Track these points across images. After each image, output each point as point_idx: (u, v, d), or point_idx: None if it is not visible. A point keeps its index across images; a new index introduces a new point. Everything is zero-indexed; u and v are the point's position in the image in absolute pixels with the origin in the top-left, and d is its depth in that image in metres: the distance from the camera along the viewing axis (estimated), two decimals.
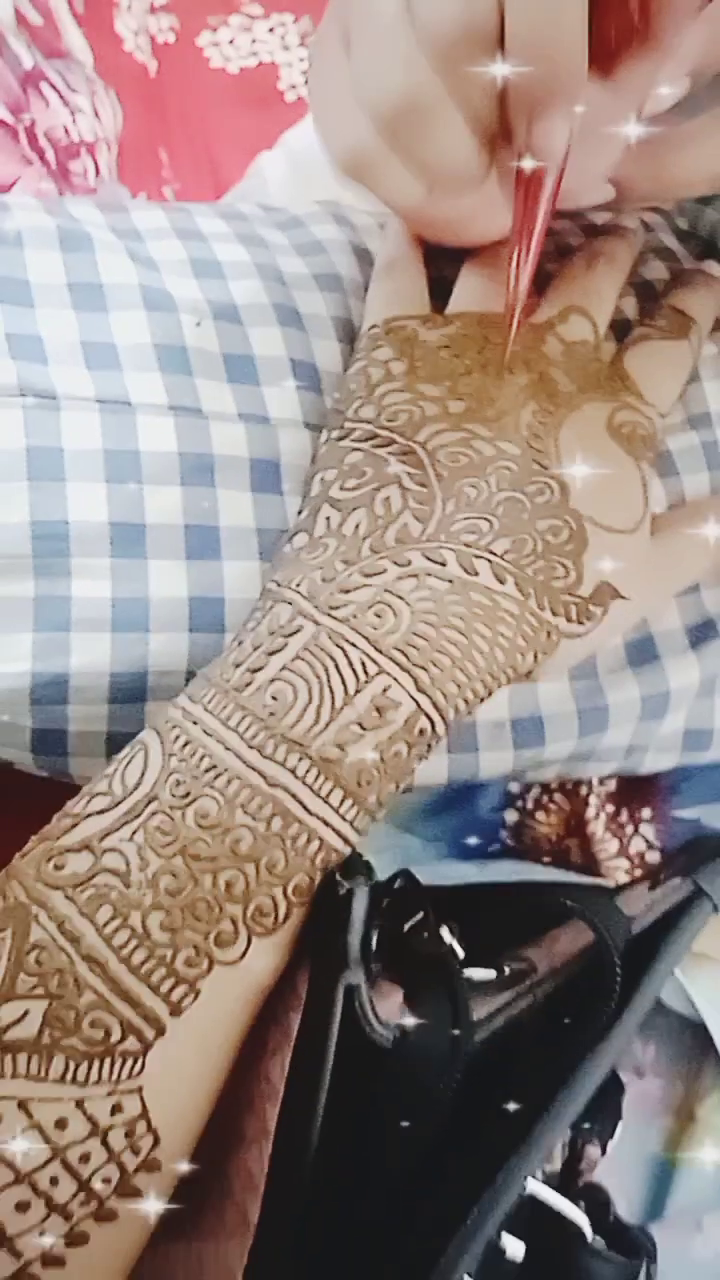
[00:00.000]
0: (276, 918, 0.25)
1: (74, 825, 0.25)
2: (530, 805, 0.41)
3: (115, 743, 0.31)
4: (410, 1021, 0.25)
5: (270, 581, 0.28)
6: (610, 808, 0.40)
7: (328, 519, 0.28)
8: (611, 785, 0.41)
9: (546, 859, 0.42)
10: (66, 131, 0.42)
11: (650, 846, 0.39)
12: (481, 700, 0.27)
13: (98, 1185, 0.23)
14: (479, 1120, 0.26)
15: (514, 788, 0.41)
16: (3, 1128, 0.22)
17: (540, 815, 0.41)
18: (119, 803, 0.25)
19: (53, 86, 0.42)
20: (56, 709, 0.30)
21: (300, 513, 0.30)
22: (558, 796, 0.41)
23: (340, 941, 0.24)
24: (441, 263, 0.34)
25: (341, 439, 0.30)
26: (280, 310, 0.33)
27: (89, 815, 0.25)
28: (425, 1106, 0.25)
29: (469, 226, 0.31)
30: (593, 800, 0.40)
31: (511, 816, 0.41)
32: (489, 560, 0.27)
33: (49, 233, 0.33)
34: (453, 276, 0.34)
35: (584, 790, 0.40)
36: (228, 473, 0.31)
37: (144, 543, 0.30)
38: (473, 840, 0.42)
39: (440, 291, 0.34)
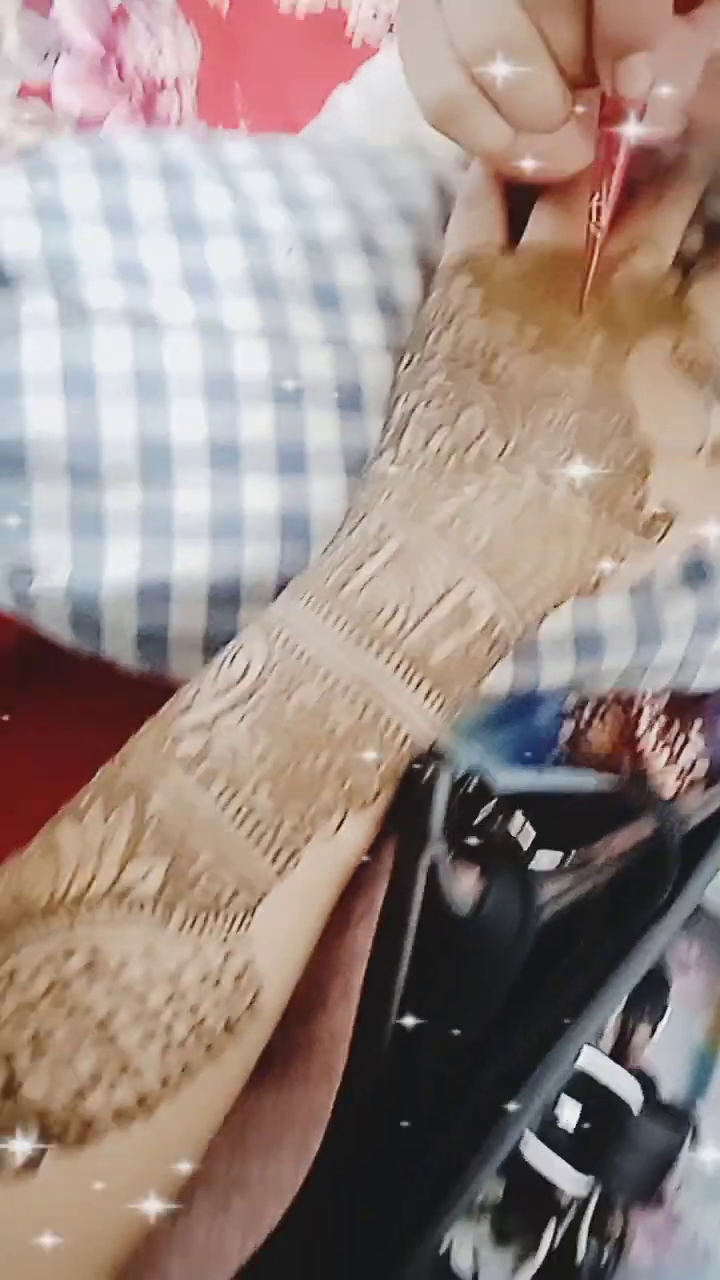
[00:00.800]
0: (368, 796, 0.27)
1: (187, 709, 0.28)
2: (585, 718, 0.43)
3: (211, 644, 0.33)
4: (483, 897, 0.28)
5: (360, 495, 0.31)
6: (662, 720, 0.42)
7: (413, 437, 0.30)
8: (664, 699, 0.43)
9: (599, 770, 0.44)
10: (152, 66, 0.44)
11: (700, 758, 0.42)
12: (553, 610, 0.30)
13: (209, 1024, 0.26)
14: (542, 991, 0.29)
15: (570, 701, 0.44)
16: (131, 970, 0.25)
17: (594, 728, 0.43)
18: (228, 690, 0.28)
19: (140, 20, 0.44)
20: (159, 611, 0.32)
21: (385, 432, 0.32)
22: (612, 710, 0.43)
23: (425, 819, 0.27)
24: (518, 197, 0.36)
25: (423, 363, 0.32)
26: (364, 241, 0.35)
27: (200, 701, 0.28)
28: (495, 975, 0.28)
29: (549, 164, 0.32)
30: (645, 713, 0.42)
31: (567, 729, 0.43)
32: (566, 478, 0.29)
33: (150, 163, 0.35)
34: (528, 210, 0.35)
35: (637, 704, 0.43)
36: (315, 394, 0.33)
37: (239, 459, 0.32)
38: (530, 752, 0.44)
39: (516, 225, 0.35)
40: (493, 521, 0.29)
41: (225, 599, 0.32)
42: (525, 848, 0.30)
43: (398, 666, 0.27)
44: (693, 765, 0.42)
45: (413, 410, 0.31)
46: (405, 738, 0.28)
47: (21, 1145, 0.24)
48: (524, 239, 0.34)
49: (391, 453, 0.31)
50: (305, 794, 0.27)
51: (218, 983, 0.26)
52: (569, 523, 0.29)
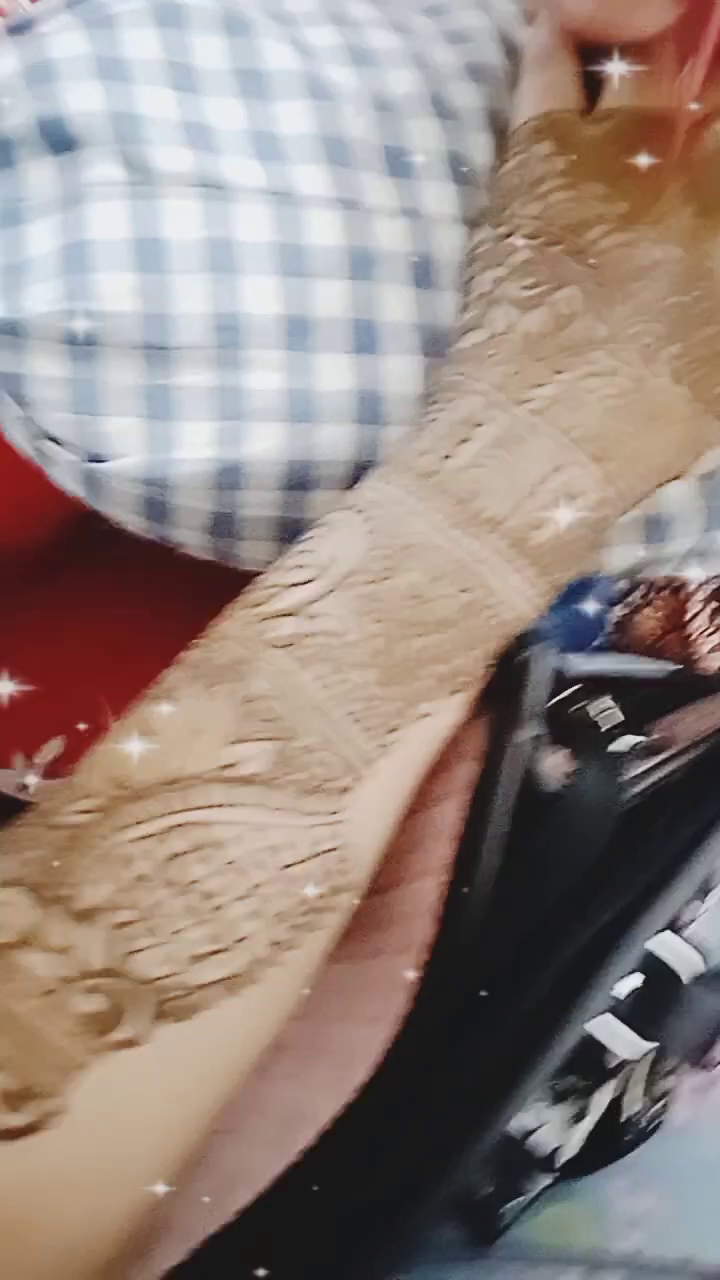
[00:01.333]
0: (467, 678, 0.28)
1: (279, 593, 0.28)
2: (636, 602, 0.43)
3: (283, 527, 0.33)
4: (572, 778, 0.29)
5: (453, 374, 0.30)
6: (713, 604, 0.42)
7: (503, 316, 0.30)
8: (713, 584, 0.43)
9: (646, 656, 0.44)
10: None
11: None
12: (647, 496, 0.29)
13: (308, 899, 0.26)
14: (622, 872, 0.30)
15: (619, 587, 0.44)
16: (237, 848, 0.26)
17: (645, 612, 0.43)
18: (323, 574, 0.27)
19: None
20: (232, 494, 0.32)
21: (466, 309, 0.31)
22: (663, 594, 0.43)
23: (522, 700, 0.27)
24: (588, 58, 0.34)
25: (507, 236, 0.31)
26: (435, 102, 0.33)
27: (292, 585, 0.28)
28: (579, 854, 0.29)
29: (630, 21, 0.30)
30: (695, 598, 0.42)
31: (617, 613, 0.44)
32: (666, 363, 0.29)
33: (211, 13, 0.33)
34: (599, 71, 0.34)
35: (687, 588, 0.43)
36: (388, 267, 0.32)
37: (312, 336, 0.31)
38: (576, 637, 0.44)
39: (588, 88, 0.33)
40: (594, 407, 0.28)
41: (297, 483, 0.32)
42: (608, 730, 0.30)
43: (499, 551, 0.27)
44: None
45: (498, 286, 0.30)
46: (505, 621, 0.28)
47: (133, 1017, 0.25)
48: (604, 101, 0.33)
49: (479, 332, 0.30)
50: (406, 676, 0.27)
51: (315, 859, 0.27)
52: (668, 410, 0.29)
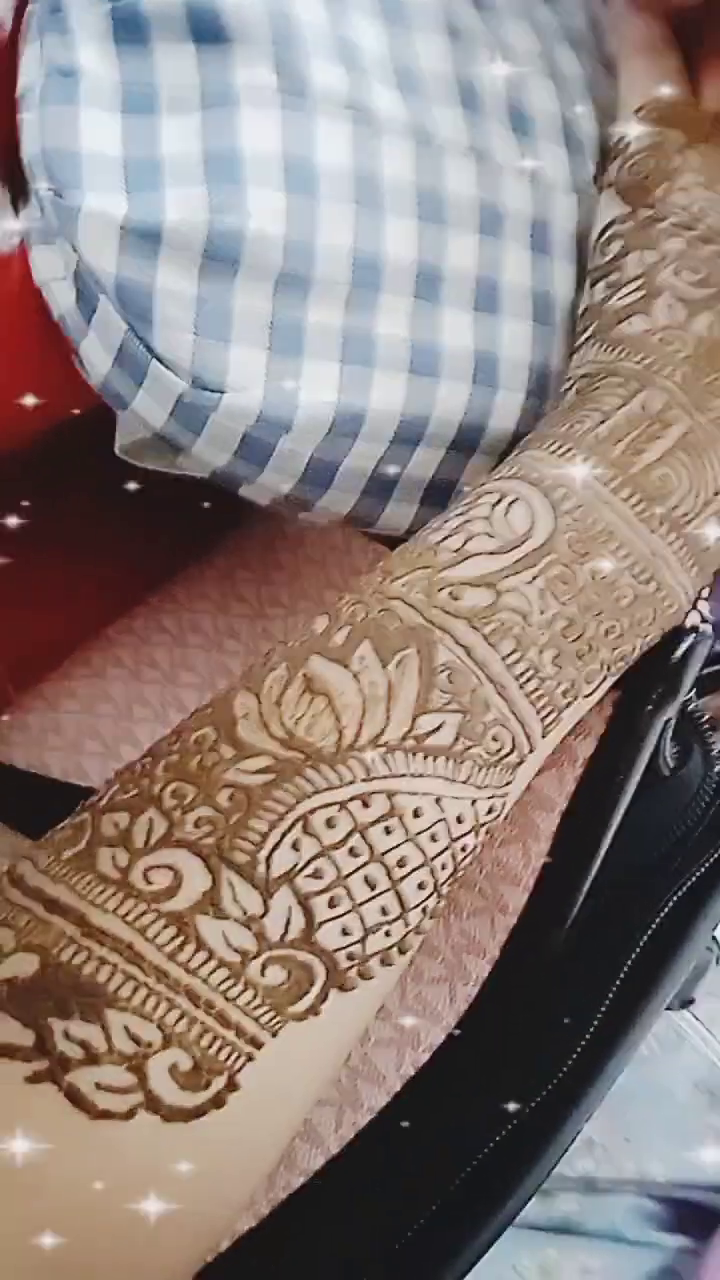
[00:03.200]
0: (629, 663, 0.28)
1: (458, 561, 0.27)
2: None
3: (377, 481, 0.32)
4: (681, 758, 0.31)
5: (628, 360, 0.30)
6: None
7: (670, 309, 0.30)
8: None
9: None
10: None
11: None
12: None
13: (459, 868, 0.26)
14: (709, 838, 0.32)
15: None
16: (422, 819, 0.25)
17: None
18: (510, 548, 0.27)
19: None
20: (343, 442, 0.30)
21: (614, 288, 0.31)
22: None
23: (677, 685, 0.29)
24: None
25: (656, 220, 0.31)
26: (547, 61, 0.33)
27: (477, 554, 0.27)
28: (682, 828, 0.31)
29: None
30: None
31: None
32: None
33: None
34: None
35: None
36: (513, 226, 0.31)
37: (441, 288, 0.30)
38: None
39: None
40: None
41: (406, 439, 0.31)
42: (701, 714, 0.32)
43: (676, 551, 0.28)
44: None
45: (658, 272, 0.30)
46: (669, 615, 0.29)
47: (313, 989, 0.24)
48: (706, 98, 0.33)
49: (644, 319, 0.30)
50: (581, 659, 0.27)
51: (477, 830, 0.27)
52: None
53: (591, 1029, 0.30)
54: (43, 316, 0.31)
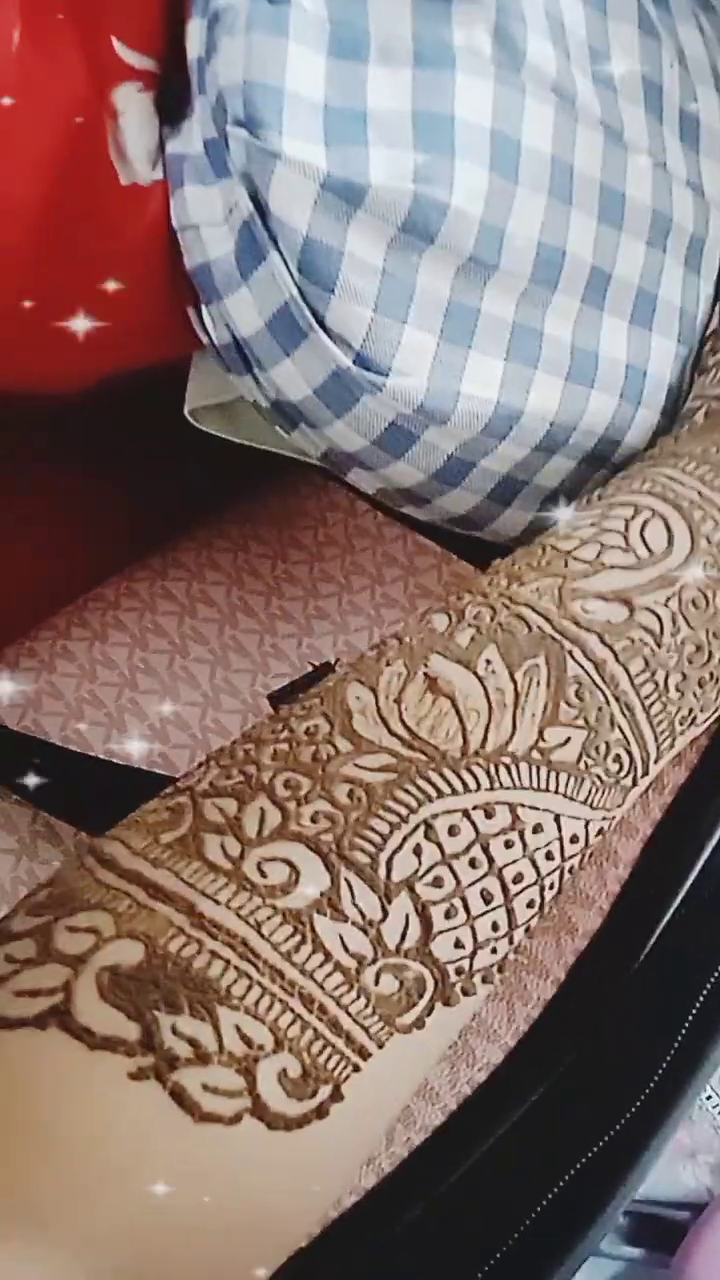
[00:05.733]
0: None
1: (592, 572, 0.26)
2: None
3: (505, 485, 0.31)
4: None
5: None
6: None
7: None
8: None
9: None
10: None
11: None
12: None
13: (558, 890, 0.26)
14: None
15: None
16: (542, 835, 0.24)
17: None
18: (646, 566, 0.26)
19: None
20: (490, 442, 0.29)
21: None
22: None
23: None
24: None
25: None
26: (714, 71, 0.32)
27: (611, 568, 0.26)
28: None
29: None
30: None
31: None
32: None
33: None
34: None
35: None
36: (677, 240, 0.30)
37: (606, 294, 0.29)
38: None
39: None
40: None
41: (549, 445, 0.30)
42: None
43: None
44: None
45: None
46: None
47: (423, 1001, 0.23)
48: None
49: None
50: (703, 686, 0.27)
51: (584, 853, 0.26)
52: None
53: (665, 1063, 0.30)
54: (167, 261, 0.28)
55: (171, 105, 0.27)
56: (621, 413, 0.30)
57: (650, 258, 0.30)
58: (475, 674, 0.24)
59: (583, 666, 0.25)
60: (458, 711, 0.24)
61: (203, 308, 0.28)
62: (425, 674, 0.24)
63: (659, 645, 0.26)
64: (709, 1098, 0.47)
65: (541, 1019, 0.31)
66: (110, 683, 0.42)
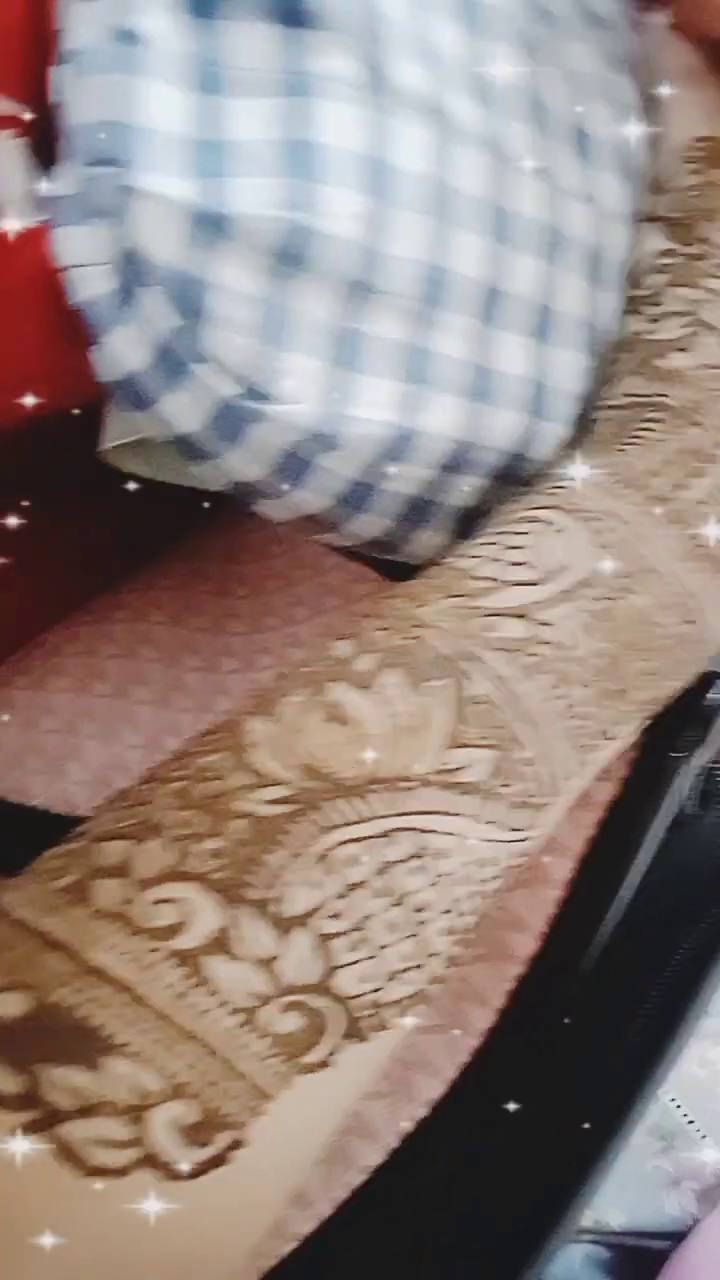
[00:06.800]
0: (660, 705, 0.27)
1: (495, 590, 0.26)
2: None
3: (415, 506, 0.30)
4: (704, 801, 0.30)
5: (672, 395, 0.29)
6: None
7: (714, 347, 0.29)
8: None
9: None
10: None
11: None
12: None
13: (481, 913, 0.25)
14: None
15: None
16: (450, 860, 0.24)
17: None
18: (550, 579, 0.26)
19: None
20: (388, 464, 0.29)
21: (655, 321, 0.30)
22: None
23: (709, 728, 0.28)
24: None
25: (699, 258, 0.30)
26: (604, 86, 0.32)
27: (515, 583, 0.26)
28: (709, 866, 0.30)
29: None
30: None
31: None
32: None
33: None
34: None
35: None
36: (573, 253, 0.30)
37: (502, 311, 0.29)
38: None
39: None
40: None
41: (453, 465, 0.29)
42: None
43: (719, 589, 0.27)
44: None
45: (700, 310, 0.30)
46: (707, 656, 0.28)
47: (328, 1038, 0.22)
48: None
49: (687, 355, 0.29)
50: (618, 699, 0.26)
51: (503, 875, 0.25)
52: None
53: (609, 1084, 0.29)
54: (52, 302, 0.28)
55: (47, 149, 0.27)
56: (529, 428, 0.30)
57: (546, 272, 0.29)
58: (377, 698, 0.24)
59: (489, 685, 0.24)
60: (359, 737, 0.23)
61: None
62: (325, 702, 0.24)
63: (567, 659, 0.25)
64: (691, 1122, 0.46)
65: (482, 1049, 0.30)
66: (53, 729, 0.42)
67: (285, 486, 0.29)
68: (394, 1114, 0.30)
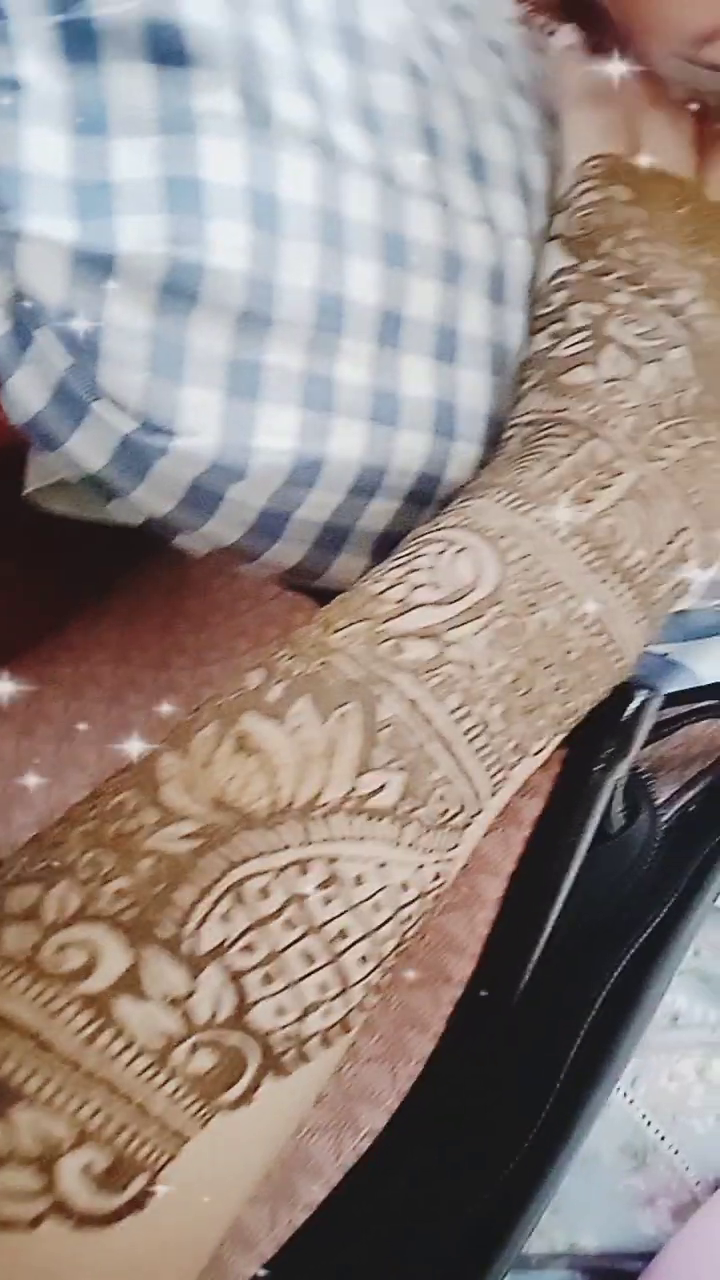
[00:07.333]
0: (577, 719, 0.27)
1: (403, 612, 0.26)
2: None
3: (329, 533, 0.30)
4: (628, 816, 0.30)
5: (576, 410, 0.29)
6: None
7: (617, 361, 0.29)
8: None
9: None
10: None
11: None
12: None
13: (408, 939, 0.25)
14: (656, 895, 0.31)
15: None
16: (366, 886, 0.23)
17: None
18: (455, 599, 0.26)
19: None
20: (297, 492, 0.29)
21: (558, 337, 0.30)
22: None
23: (629, 741, 0.28)
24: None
25: (602, 274, 0.31)
26: (499, 111, 0.32)
27: (421, 605, 0.26)
28: (636, 879, 0.30)
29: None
30: None
31: None
32: None
33: None
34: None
35: None
36: (472, 275, 0.30)
37: (402, 335, 0.29)
38: None
39: None
40: (710, 478, 0.29)
41: (364, 489, 0.30)
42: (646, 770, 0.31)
43: (627, 602, 0.27)
44: None
45: (603, 325, 0.30)
46: (620, 668, 0.28)
47: (245, 1075, 0.22)
48: (649, 156, 0.34)
49: (590, 370, 0.29)
50: (530, 715, 0.26)
51: (424, 898, 0.25)
52: None
53: (549, 1102, 0.29)
54: None
55: None
56: (439, 449, 0.30)
57: (446, 295, 0.30)
58: (286, 727, 0.24)
59: (397, 707, 0.24)
60: (268, 768, 0.23)
61: None
62: (235, 733, 0.24)
63: (476, 677, 0.25)
64: (663, 1138, 0.45)
65: (423, 1075, 0.30)
66: None
67: (197, 519, 0.29)
68: (338, 1147, 0.30)
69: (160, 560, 0.47)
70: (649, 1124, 0.45)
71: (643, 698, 0.28)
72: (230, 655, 0.44)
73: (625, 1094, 0.45)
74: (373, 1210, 0.29)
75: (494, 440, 0.32)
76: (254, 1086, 0.22)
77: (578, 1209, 0.43)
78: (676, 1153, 0.45)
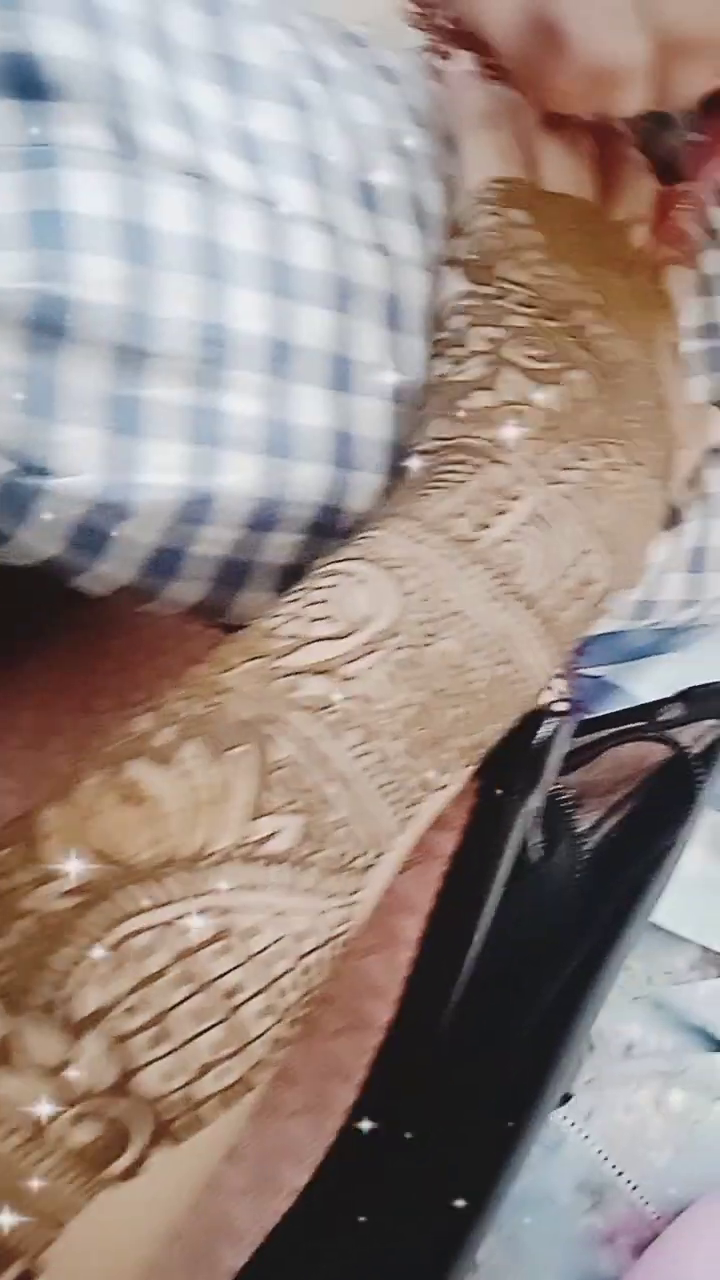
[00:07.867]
0: (485, 750, 0.27)
1: (299, 647, 0.25)
2: None
3: (229, 569, 0.30)
4: (548, 846, 0.29)
5: (473, 435, 0.28)
6: None
7: (517, 384, 0.29)
8: None
9: None
10: None
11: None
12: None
13: (314, 989, 0.24)
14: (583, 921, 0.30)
15: None
16: (262, 937, 0.22)
17: None
18: (352, 632, 0.25)
19: None
20: (191, 529, 0.28)
21: (459, 362, 0.30)
22: None
23: (540, 769, 0.27)
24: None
25: (498, 298, 0.30)
26: (391, 139, 0.32)
27: (316, 639, 0.25)
28: (560, 909, 0.29)
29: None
30: None
31: None
32: (650, 464, 0.30)
33: None
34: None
35: None
36: (365, 302, 0.30)
37: (293, 364, 0.28)
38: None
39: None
40: (613, 500, 0.29)
41: (261, 523, 0.29)
42: (565, 797, 0.31)
43: (533, 628, 0.27)
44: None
45: (500, 348, 0.29)
46: (528, 697, 0.27)
47: (133, 1144, 0.21)
48: (549, 179, 0.33)
49: (489, 394, 0.29)
50: (434, 748, 0.25)
51: (329, 944, 0.24)
52: (657, 511, 0.30)
53: (480, 1144, 0.28)
54: None
55: None
56: (337, 479, 0.29)
57: (338, 322, 0.29)
58: (175, 772, 0.23)
59: (292, 747, 0.23)
60: (156, 817, 0.22)
61: None
62: (121, 782, 0.23)
63: (375, 712, 0.24)
64: (620, 1174, 0.44)
65: (345, 1127, 0.29)
66: None
67: (87, 560, 0.28)
68: (260, 1210, 0.29)
69: (82, 597, 0.46)
70: (606, 1160, 0.44)
71: (554, 725, 0.27)
72: (154, 697, 0.43)
73: (580, 1129, 0.44)
74: (300, 1269, 0.28)
75: (398, 469, 0.31)
76: (142, 1157, 0.21)
77: (536, 1253, 0.42)
78: (635, 1188, 0.44)
